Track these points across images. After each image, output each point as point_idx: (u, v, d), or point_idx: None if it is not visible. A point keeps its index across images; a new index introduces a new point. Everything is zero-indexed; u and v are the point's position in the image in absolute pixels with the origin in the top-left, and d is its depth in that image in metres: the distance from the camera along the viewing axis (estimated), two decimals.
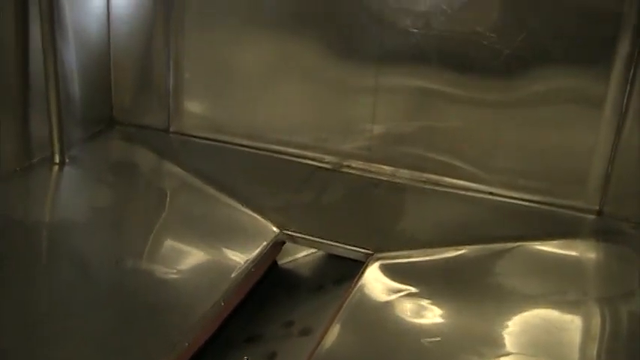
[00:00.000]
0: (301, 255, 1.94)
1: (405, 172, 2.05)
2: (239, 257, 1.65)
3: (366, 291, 1.56)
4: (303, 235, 1.77)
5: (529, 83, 1.89)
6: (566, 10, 1.81)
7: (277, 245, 1.77)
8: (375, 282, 1.59)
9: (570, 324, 1.49)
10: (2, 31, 1.92)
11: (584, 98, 1.85)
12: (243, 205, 1.85)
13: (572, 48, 1.84)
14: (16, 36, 1.96)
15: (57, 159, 2.04)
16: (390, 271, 1.63)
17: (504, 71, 1.90)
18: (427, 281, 1.61)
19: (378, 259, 1.67)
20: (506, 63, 1.89)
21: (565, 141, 1.91)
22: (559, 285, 1.61)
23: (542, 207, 1.94)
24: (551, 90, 1.88)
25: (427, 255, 1.70)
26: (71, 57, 2.12)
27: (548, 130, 1.91)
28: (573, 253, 1.76)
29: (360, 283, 1.58)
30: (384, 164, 2.07)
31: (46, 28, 1.95)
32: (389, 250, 1.70)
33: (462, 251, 1.71)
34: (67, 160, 2.05)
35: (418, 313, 1.50)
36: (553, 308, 1.53)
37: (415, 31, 1.93)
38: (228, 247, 1.70)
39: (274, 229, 1.77)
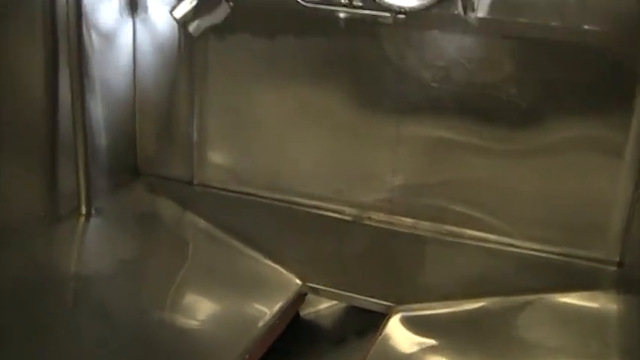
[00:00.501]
0: (323, 306, 1.95)
1: (425, 224, 2.07)
2: (262, 309, 1.67)
3: (389, 343, 1.57)
4: (325, 287, 1.79)
5: (548, 133, 1.91)
6: (582, 62, 1.84)
7: (300, 297, 1.79)
8: (397, 334, 1.60)
9: None
10: (32, 84, 1.98)
11: (604, 148, 1.86)
12: (265, 257, 1.88)
13: (590, 98, 1.86)
14: (46, 89, 2.01)
15: (83, 210, 2.08)
16: (412, 323, 1.64)
17: (523, 121, 1.93)
18: (449, 334, 1.62)
19: (399, 311, 1.68)
20: (525, 113, 1.91)
21: (584, 191, 1.92)
22: (581, 337, 1.62)
23: (563, 258, 1.94)
24: (570, 139, 1.90)
25: (449, 307, 1.71)
26: (98, 109, 2.18)
27: (568, 180, 1.93)
28: (594, 305, 1.76)
29: (382, 336, 1.59)
30: (405, 216, 2.09)
31: (75, 82, 2.01)
32: (410, 302, 1.71)
33: (483, 303, 1.72)
34: (93, 212, 2.09)
35: None
36: None
37: (435, 85, 1.96)
38: (251, 299, 1.72)
39: (297, 281, 1.79)
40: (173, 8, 1.01)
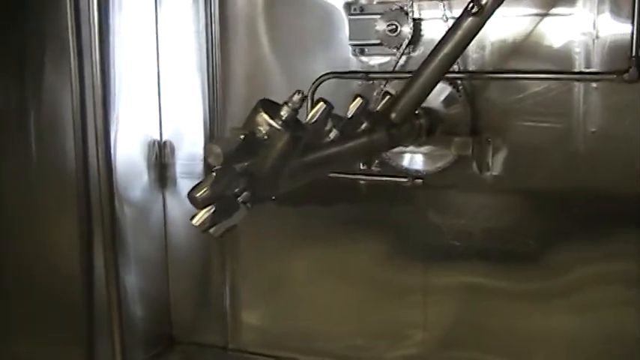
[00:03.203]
0: None
1: None
2: None
3: None
4: None
5: (567, 272, 1.94)
6: (592, 207, 1.89)
7: None
8: None
9: None
10: (67, 258, 2.08)
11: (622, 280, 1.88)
12: None
13: (602, 238, 1.89)
14: (81, 262, 2.10)
15: None
16: None
17: (544, 265, 1.96)
18: None
19: None
20: (544, 258, 1.95)
21: (615, 328, 1.91)
22: None
23: None
24: (588, 276, 1.92)
25: None
26: (132, 279, 2.24)
27: (595, 319, 1.93)
28: None
29: None
30: None
31: (108, 254, 2.08)
32: None
33: None
34: None
35: None
36: None
37: (457, 243, 2.02)
38: None
39: None
40: (192, 217, 1.09)
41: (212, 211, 1.10)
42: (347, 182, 2.07)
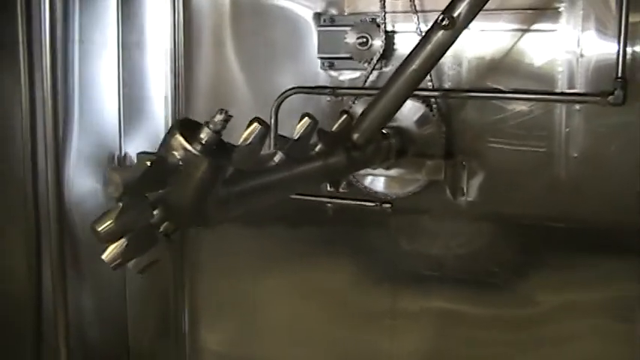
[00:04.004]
0: None
1: None
2: None
3: None
4: None
5: (543, 300, 1.82)
6: (571, 240, 1.77)
7: None
8: None
9: None
10: (16, 275, 2.00)
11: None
12: None
13: (583, 264, 1.78)
14: (30, 281, 2.00)
15: None
16: None
17: (519, 291, 1.84)
18: None
19: None
20: (519, 284, 1.83)
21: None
22: None
23: None
24: (570, 303, 1.80)
25: None
26: (88, 300, 2.14)
27: (576, 349, 1.80)
28: None
29: None
30: None
31: (57, 274, 1.98)
32: None
33: None
34: None
35: None
36: None
37: (427, 273, 1.89)
38: None
39: None
40: (103, 251, 0.96)
41: (125, 245, 0.97)
42: (312, 204, 1.94)
